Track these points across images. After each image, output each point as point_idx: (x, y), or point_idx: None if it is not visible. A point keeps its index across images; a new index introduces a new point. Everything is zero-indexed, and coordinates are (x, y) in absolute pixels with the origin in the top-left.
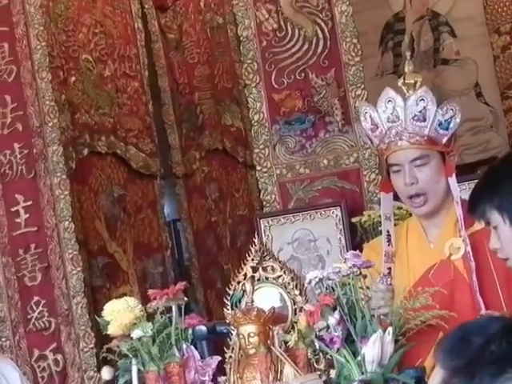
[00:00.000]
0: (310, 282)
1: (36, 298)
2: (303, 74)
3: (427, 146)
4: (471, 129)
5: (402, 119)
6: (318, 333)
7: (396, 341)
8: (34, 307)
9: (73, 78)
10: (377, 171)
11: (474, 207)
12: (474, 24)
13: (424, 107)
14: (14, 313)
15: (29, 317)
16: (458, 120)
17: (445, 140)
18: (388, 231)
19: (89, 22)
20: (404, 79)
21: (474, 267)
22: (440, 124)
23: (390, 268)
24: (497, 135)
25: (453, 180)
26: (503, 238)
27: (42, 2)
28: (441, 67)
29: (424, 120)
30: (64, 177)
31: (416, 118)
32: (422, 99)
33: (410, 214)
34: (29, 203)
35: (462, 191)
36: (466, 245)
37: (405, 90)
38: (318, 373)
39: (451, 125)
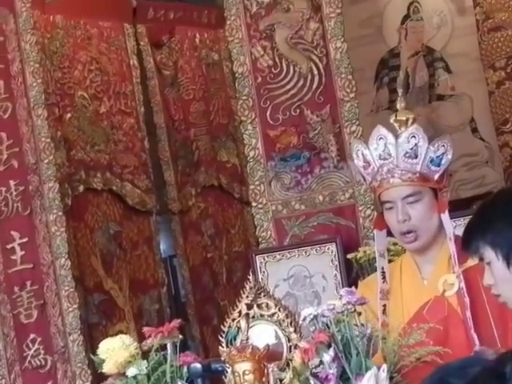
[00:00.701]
0: (304, 319)
1: (32, 336)
2: (298, 111)
3: (419, 183)
4: (467, 164)
5: (393, 156)
6: (312, 370)
7: (391, 378)
8: (30, 345)
9: (68, 115)
10: (372, 207)
11: (467, 243)
12: (468, 60)
13: (415, 144)
14: (10, 351)
15: (25, 354)
16: (449, 156)
17: (437, 176)
18: (382, 268)
19: (84, 59)
20: (396, 116)
21: (468, 303)
22: (432, 161)
23: (384, 305)
24: (492, 170)
25: (446, 216)
26: (496, 275)
27: (38, 39)
28: (436, 103)
29: (416, 157)
30: (60, 213)
31: (407, 155)
32: (414, 136)
33: (405, 250)
34: (24, 240)
35: (457, 226)
36: (460, 281)
37: (397, 127)
38: None
39: (443, 161)
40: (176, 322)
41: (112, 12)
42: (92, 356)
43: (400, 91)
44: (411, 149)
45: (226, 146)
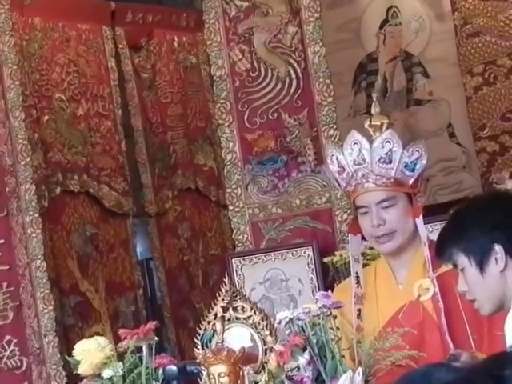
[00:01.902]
0: (280, 322)
1: (8, 337)
2: (276, 114)
3: (394, 188)
4: (444, 169)
5: (368, 161)
6: (288, 373)
7: (366, 381)
8: (6, 346)
9: (46, 117)
10: (349, 211)
11: (441, 250)
12: (446, 65)
13: (390, 149)
14: None
15: (0, 356)
16: (424, 161)
17: (411, 181)
18: (357, 273)
19: (62, 62)
20: (370, 121)
21: (442, 308)
22: (406, 166)
23: (359, 309)
24: (469, 176)
25: (420, 221)
26: (470, 281)
27: (16, 41)
28: (414, 108)
29: (390, 162)
30: (36, 215)
31: (382, 160)
32: (388, 141)
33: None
34: (1, 241)
35: (434, 231)
36: (435, 286)
37: (371, 132)
38: None
39: (417, 166)
40: (152, 324)
41: (90, 14)
42: (67, 357)
43: (375, 96)
44: (386, 154)
45: (203, 150)
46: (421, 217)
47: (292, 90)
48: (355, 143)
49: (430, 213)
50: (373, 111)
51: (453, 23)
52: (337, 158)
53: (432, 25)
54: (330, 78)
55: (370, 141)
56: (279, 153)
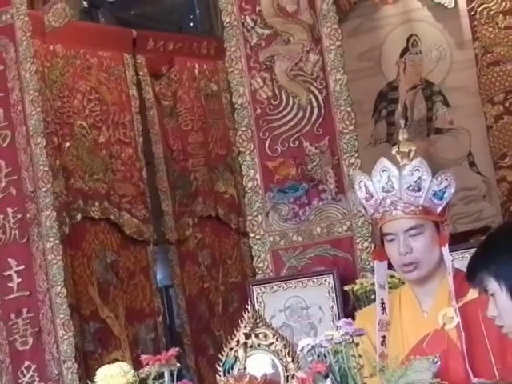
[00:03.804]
0: (302, 349)
1: (27, 363)
2: (297, 142)
3: (422, 216)
4: (464, 198)
5: (396, 189)
6: None
7: None
8: (25, 372)
9: (67, 144)
10: (370, 239)
11: (471, 275)
12: (467, 94)
13: (419, 177)
14: (5, 377)
15: (19, 381)
16: (452, 190)
17: (439, 210)
18: (382, 299)
19: (84, 89)
20: (398, 148)
21: (464, 337)
22: (435, 194)
23: (383, 336)
24: (490, 205)
25: (446, 250)
26: (500, 306)
27: (38, 68)
28: (434, 136)
29: (419, 190)
30: (57, 242)
31: (411, 188)
32: (417, 169)
33: (403, 283)
34: (21, 268)
35: (454, 260)
36: (457, 316)
37: (399, 159)
38: None
39: (446, 194)
40: (174, 351)
41: (112, 42)
42: (89, 383)
43: (402, 123)
44: (415, 182)
45: (223, 177)
46: (447, 245)
47: (313, 117)
48: (384, 170)
49: (450, 241)
50: (400, 138)
51: (473, 52)
52: (365, 185)
53: (452, 53)
54: (351, 106)
55: (399, 168)
56: (300, 181)
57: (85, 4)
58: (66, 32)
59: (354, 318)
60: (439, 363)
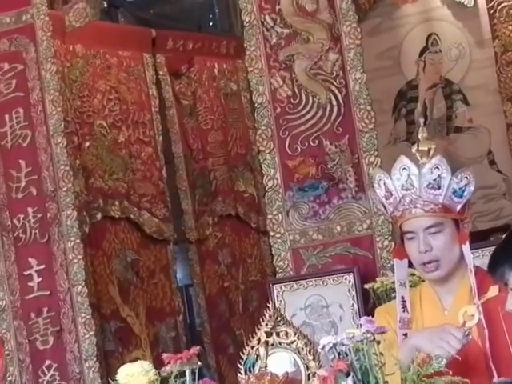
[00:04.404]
0: (323, 348)
1: (48, 362)
2: (317, 141)
3: (441, 214)
4: (484, 196)
5: (416, 187)
6: None
7: None
8: (46, 371)
9: (87, 144)
10: (390, 238)
11: (493, 268)
12: (486, 92)
13: (439, 175)
14: (26, 376)
15: (40, 380)
16: (472, 188)
17: (459, 208)
18: (403, 297)
19: (103, 88)
20: (418, 146)
21: (487, 335)
22: (454, 192)
23: (405, 334)
24: (509, 203)
25: (466, 247)
26: None
27: (58, 68)
28: (454, 135)
29: (439, 188)
30: (77, 241)
31: (430, 186)
32: (437, 167)
33: (423, 281)
34: (42, 267)
35: (474, 258)
36: (480, 313)
37: (418, 157)
38: None
39: (465, 193)
40: (195, 349)
41: (131, 42)
42: (110, 381)
43: (421, 121)
44: (434, 180)
45: (243, 176)
46: (467, 243)
47: (333, 116)
48: (404, 168)
49: (470, 240)
50: (420, 136)
51: (493, 50)
52: (384, 183)
53: (472, 52)
54: (370, 104)
55: (419, 166)
56: (320, 179)
57: (104, 4)
58: (86, 32)
59: (373, 316)
60: (470, 337)
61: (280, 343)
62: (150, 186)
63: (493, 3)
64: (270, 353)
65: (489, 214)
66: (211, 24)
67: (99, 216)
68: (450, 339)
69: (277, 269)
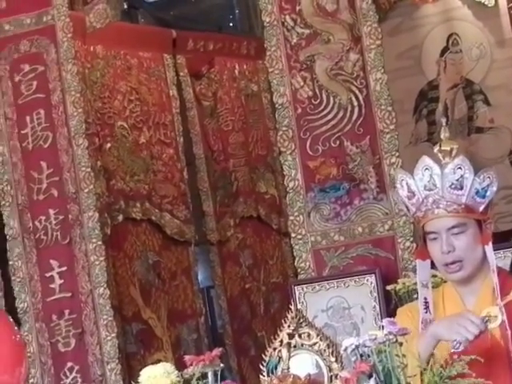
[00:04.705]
0: (346, 349)
1: (69, 364)
2: (338, 142)
3: (464, 214)
4: (506, 197)
5: (439, 187)
6: None
7: None
8: (68, 373)
9: (108, 145)
10: (411, 239)
11: None
12: (508, 92)
13: (461, 175)
14: (47, 379)
15: (62, 383)
16: (494, 188)
17: (482, 208)
18: (425, 298)
19: (124, 89)
20: (440, 146)
21: (510, 336)
22: (477, 192)
23: None
24: None
25: (489, 248)
26: None
27: (79, 69)
28: (475, 135)
29: (461, 188)
30: (99, 243)
31: (453, 186)
32: (460, 167)
33: (445, 282)
34: (63, 269)
35: (496, 259)
36: (503, 314)
37: (441, 157)
38: None
39: (488, 193)
40: (218, 351)
41: (152, 43)
42: (133, 383)
43: (443, 121)
44: (457, 180)
45: (264, 177)
46: (490, 244)
47: (354, 117)
48: (426, 168)
49: (493, 241)
50: (442, 136)
51: None
52: (407, 183)
53: (493, 52)
54: (391, 105)
55: (441, 166)
56: (341, 180)
57: (125, 5)
58: (106, 33)
59: (395, 317)
60: (489, 325)
61: (302, 345)
62: (172, 187)
63: None
64: (292, 354)
65: (510, 215)
66: (231, 25)
67: (121, 218)
68: (467, 324)
69: (298, 270)
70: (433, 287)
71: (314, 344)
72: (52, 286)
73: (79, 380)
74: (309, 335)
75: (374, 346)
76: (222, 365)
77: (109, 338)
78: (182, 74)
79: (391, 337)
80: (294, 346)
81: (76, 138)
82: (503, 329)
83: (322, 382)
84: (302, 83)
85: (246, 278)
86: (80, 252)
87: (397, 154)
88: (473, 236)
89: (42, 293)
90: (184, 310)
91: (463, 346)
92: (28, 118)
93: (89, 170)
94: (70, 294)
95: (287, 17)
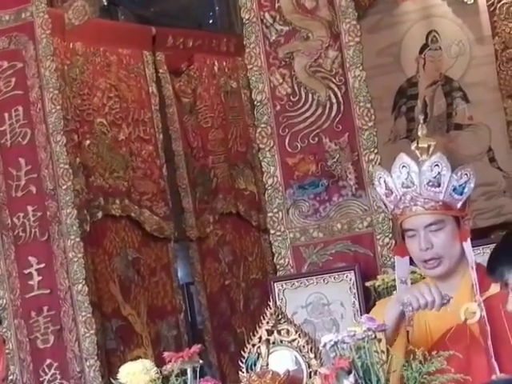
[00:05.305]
0: (324, 345)
1: (48, 361)
2: (317, 139)
3: (442, 211)
4: (484, 194)
5: (416, 185)
6: None
7: None
8: (47, 370)
9: (87, 142)
10: (390, 235)
11: (492, 268)
12: (487, 89)
13: (439, 173)
14: (26, 375)
15: (41, 379)
16: (472, 185)
17: (459, 205)
18: None
19: (103, 86)
20: (417, 143)
21: (489, 332)
22: (454, 189)
23: (407, 331)
24: (510, 200)
25: (468, 244)
26: None
27: (57, 66)
28: (454, 132)
29: (439, 185)
30: (77, 239)
31: (431, 183)
32: (437, 165)
33: (424, 278)
34: (42, 266)
35: (476, 255)
36: (482, 309)
37: (418, 154)
38: None
39: (466, 189)
40: (197, 347)
41: (131, 39)
42: (112, 380)
43: (421, 118)
44: (434, 177)
45: (243, 174)
46: (469, 240)
47: (332, 114)
48: (404, 166)
49: (471, 237)
50: (419, 133)
51: (493, 47)
52: (384, 181)
53: (472, 49)
54: (370, 102)
55: (419, 164)
56: (320, 177)
57: (104, 1)
58: (86, 30)
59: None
60: (448, 301)
61: (281, 341)
62: (151, 184)
63: (493, 0)
64: (271, 351)
65: (489, 212)
66: (211, 22)
67: (100, 214)
68: (425, 292)
69: (277, 267)
70: (412, 283)
71: (293, 340)
72: (31, 282)
73: (58, 377)
74: (288, 331)
75: (352, 343)
76: (201, 361)
77: (87, 334)
78: (161, 70)
79: (370, 333)
80: (273, 343)
81: (54, 134)
82: (482, 325)
83: (301, 379)
84: (280, 80)
85: (225, 274)
86: (58, 249)
87: (376, 150)
88: (451, 233)
89: (21, 289)
90: (164, 307)
91: (412, 310)
92: (6, 115)
93: (67, 166)
94: (48, 291)
95: (266, 14)
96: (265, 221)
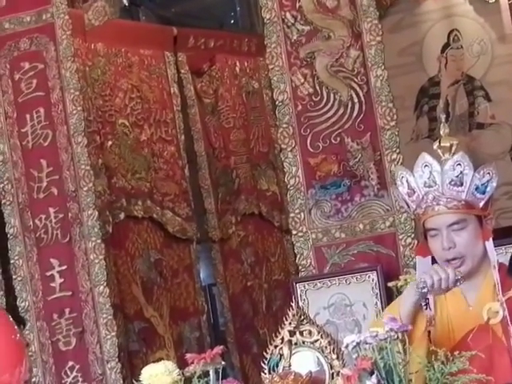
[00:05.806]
0: (347, 346)
1: (70, 363)
2: (339, 139)
3: (464, 211)
4: (507, 193)
5: (438, 184)
6: None
7: None
8: (69, 372)
9: (109, 143)
10: (413, 235)
11: None
12: (509, 88)
13: (461, 172)
14: (49, 378)
15: (63, 382)
16: (494, 184)
17: (482, 204)
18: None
19: (125, 87)
20: (440, 142)
21: (511, 332)
22: (477, 188)
23: (429, 332)
24: None
25: (490, 244)
26: None
27: (79, 67)
28: (476, 131)
29: (461, 185)
30: (99, 241)
31: (453, 182)
32: (459, 164)
33: None
34: (63, 267)
35: (498, 255)
36: (504, 309)
37: (440, 153)
38: None
39: (488, 188)
40: (219, 349)
41: (153, 40)
42: (134, 382)
43: (443, 117)
44: (457, 176)
45: (266, 175)
46: (491, 239)
47: (354, 113)
48: (426, 165)
49: (494, 236)
50: (442, 132)
51: None
52: (407, 180)
53: (494, 47)
54: (392, 101)
55: (441, 163)
56: (342, 177)
57: (125, 2)
58: (107, 30)
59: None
60: (460, 280)
61: (303, 342)
62: (173, 185)
63: None
64: (293, 352)
65: None
66: (232, 22)
67: (122, 216)
68: (439, 269)
69: (299, 267)
70: None
71: (316, 341)
72: (52, 284)
73: (80, 379)
74: (310, 332)
75: (375, 343)
76: (223, 363)
77: (109, 336)
78: (182, 71)
79: (392, 333)
80: (296, 344)
81: (75, 136)
82: (504, 325)
83: (324, 380)
84: (302, 80)
85: (247, 275)
86: (80, 250)
87: (398, 150)
88: (473, 232)
89: (43, 292)
90: (186, 308)
91: (428, 290)
92: (28, 117)
93: (88, 168)
94: (70, 293)
95: (287, 13)
96: (287, 221)
